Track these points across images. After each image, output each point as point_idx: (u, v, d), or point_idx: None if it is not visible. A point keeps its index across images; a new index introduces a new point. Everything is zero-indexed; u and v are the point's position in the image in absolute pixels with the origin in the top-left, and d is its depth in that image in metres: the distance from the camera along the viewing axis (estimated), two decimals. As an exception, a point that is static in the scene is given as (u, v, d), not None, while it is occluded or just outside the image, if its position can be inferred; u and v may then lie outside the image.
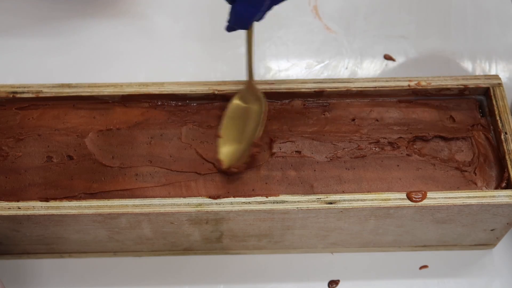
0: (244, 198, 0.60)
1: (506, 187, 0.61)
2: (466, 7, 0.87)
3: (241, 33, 0.84)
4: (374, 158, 0.63)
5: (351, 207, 0.59)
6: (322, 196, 0.60)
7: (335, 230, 0.64)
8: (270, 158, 0.63)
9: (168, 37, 0.85)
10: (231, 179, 0.62)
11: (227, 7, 0.56)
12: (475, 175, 0.63)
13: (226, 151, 0.62)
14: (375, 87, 0.66)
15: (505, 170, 0.62)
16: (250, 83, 0.64)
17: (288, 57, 0.83)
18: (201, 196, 0.60)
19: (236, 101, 0.64)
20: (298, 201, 0.59)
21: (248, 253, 0.68)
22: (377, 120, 0.66)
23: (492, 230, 0.65)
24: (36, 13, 0.85)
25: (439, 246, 0.68)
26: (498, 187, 0.62)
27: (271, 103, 0.67)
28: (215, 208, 0.59)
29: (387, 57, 0.83)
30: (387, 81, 0.67)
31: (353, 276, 0.67)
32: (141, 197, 0.61)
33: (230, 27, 0.61)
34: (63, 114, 0.66)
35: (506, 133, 0.63)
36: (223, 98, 0.66)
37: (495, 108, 0.65)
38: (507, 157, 0.62)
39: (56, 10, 0.85)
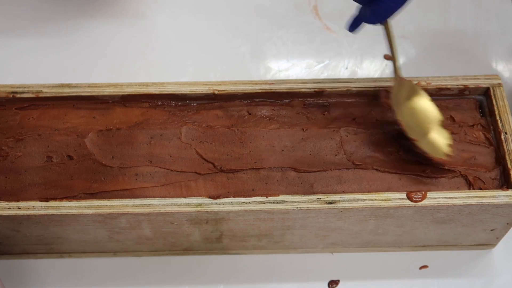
0: (244, 198, 0.60)
1: (506, 187, 0.61)
2: (466, 7, 0.87)
3: (242, 33, 0.85)
4: (374, 158, 0.63)
5: (351, 207, 0.59)
6: (322, 196, 0.60)
7: (335, 230, 0.64)
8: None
9: (168, 37, 0.85)
10: (231, 179, 0.62)
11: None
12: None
13: (430, 148, 0.61)
14: (375, 87, 0.66)
15: (505, 170, 0.62)
16: (399, 77, 0.63)
17: (288, 57, 0.83)
18: (201, 196, 0.60)
19: (399, 103, 0.62)
20: (298, 201, 0.60)
21: (248, 253, 0.68)
22: (377, 120, 0.66)
23: (492, 230, 0.65)
24: (36, 13, 0.85)
25: (439, 246, 0.68)
26: (498, 187, 0.62)
27: (271, 103, 0.67)
28: (215, 208, 0.59)
29: (387, 57, 0.82)
30: (387, 81, 0.67)
31: (353, 276, 0.67)
32: (141, 197, 0.61)
33: (356, 25, 0.60)
34: (63, 114, 0.66)
35: (506, 133, 0.63)
36: (223, 98, 0.66)
37: (495, 108, 0.65)
38: (507, 157, 0.62)
39: (56, 10, 0.85)
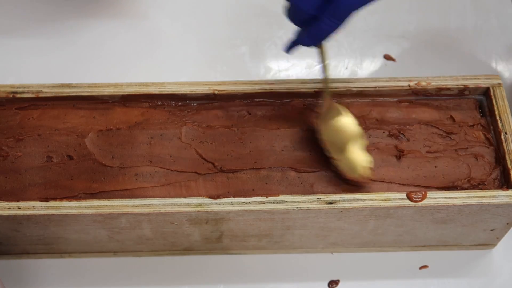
0: (244, 198, 0.60)
1: (506, 187, 0.61)
2: (466, 7, 0.87)
3: (242, 33, 0.85)
4: (374, 158, 0.63)
5: (351, 207, 0.59)
6: (322, 196, 0.60)
7: (335, 230, 0.64)
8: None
9: (168, 37, 0.85)
10: (231, 179, 0.62)
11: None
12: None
13: (347, 167, 0.61)
14: (375, 87, 0.66)
15: (505, 170, 0.62)
16: (329, 101, 0.63)
17: (288, 57, 0.83)
18: (201, 196, 0.60)
19: (325, 123, 0.62)
20: (298, 201, 0.60)
21: (248, 253, 0.68)
22: (377, 120, 0.66)
23: (492, 230, 0.65)
24: (36, 13, 0.85)
25: (439, 246, 0.68)
26: (498, 187, 0.62)
27: (271, 103, 0.67)
28: (215, 208, 0.59)
29: (387, 57, 0.83)
30: (387, 81, 0.67)
31: (353, 276, 0.67)
32: (141, 197, 0.61)
33: (292, 46, 0.61)
34: (63, 114, 0.66)
35: (506, 133, 0.63)
36: (223, 98, 0.66)
37: (495, 108, 0.65)
38: (507, 157, 0.62)
39: (56, 10, 0.85)
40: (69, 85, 0.66)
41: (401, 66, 0.82)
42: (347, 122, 0.62)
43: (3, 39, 0.83)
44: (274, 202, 0.60)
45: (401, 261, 0.68)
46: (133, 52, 0.83)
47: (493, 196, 0.60)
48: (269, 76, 0.81)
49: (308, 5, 0.56)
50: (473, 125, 0.65)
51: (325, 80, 0.63)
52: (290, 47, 0.62)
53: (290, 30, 0.86)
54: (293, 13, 0.58)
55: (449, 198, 0.60)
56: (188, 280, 0.67)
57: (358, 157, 0.61)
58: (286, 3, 0.58)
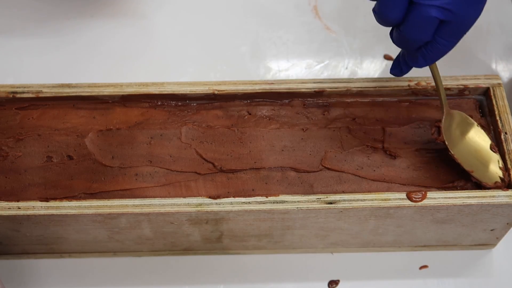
0: (244, 198, 0.60)
1: (506, 187, 0.61)
2: (466, 7, 0.87)
3: (242, 33, 0.85)
4: (374, 158, 0.63)
5: (351, 207, 0.59)
6: (322, 196, 0.60)
7: (335, 230, 0.64)
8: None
9: (168, 37, 0.85)
10: (231, 179, 0.62)
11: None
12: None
13: (484, 176, 0.61)
14: (375, 87, 0.66)
15: (505, 170, 0.62)
16: (447, 111, 0.62)
17: (288, 57, 0.83)
18: (201, 196, 0.60)
19: (451, 138, 0.61)
20: (298, 201, 0.60)
21: (248, 253, 0.68)
22: (377, 120, 0.66)
23: (492, 230, 0.65)
24: (36, 13, 0.85)
25: (439, 246, 0.68)
26: (498, 187, 0.62)
27: (271, 103, 0.67)
28: (215, 208, 0.59)
29: (387, 57, 0.83)
30: (387, 81, 0.67)
31: (353, 276, 0.67)
32: (141, 197, 0.61)
33: (404, 69, 0.60)
34: (63, 114, 0.66)
35: (506, 133, 0.63)
36: (223, 98, 0.66)
37: (495, 108, 0.65)
38: (507, 157, 0.62)
39: (56, 10, 0.85)
40: (69, 85, 0.66)
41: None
42: (474, 132, 0.61)
43: (3, 39, 0.83)
44: (274, 202, 0.60)
45: (401, 261, 0.68)
46: (133, 52, 0.83)
47: (493, 196, 0.60)
48: (269, 76, 0.81)
49: (424, 34, 0.54)
50: (473, 125, 0.65)
51: (440, 92, 0.61)
52: (402, 70, 0.60)
53: (290, 30, 0.87)
54: (406, 42, 0.55)
55: (449, 198, 0.60)
56: (188, 280, 0.67)
57: (492, 162, 0.61)
58: (394, 33, 0.56)
